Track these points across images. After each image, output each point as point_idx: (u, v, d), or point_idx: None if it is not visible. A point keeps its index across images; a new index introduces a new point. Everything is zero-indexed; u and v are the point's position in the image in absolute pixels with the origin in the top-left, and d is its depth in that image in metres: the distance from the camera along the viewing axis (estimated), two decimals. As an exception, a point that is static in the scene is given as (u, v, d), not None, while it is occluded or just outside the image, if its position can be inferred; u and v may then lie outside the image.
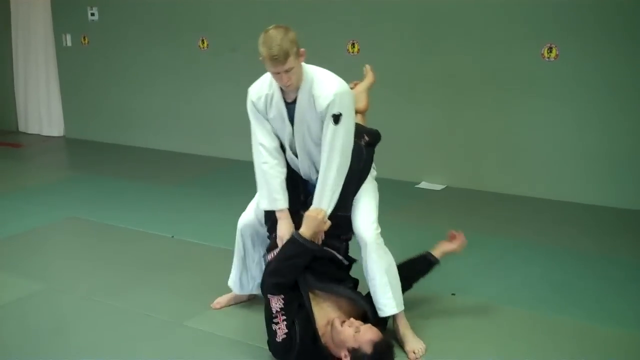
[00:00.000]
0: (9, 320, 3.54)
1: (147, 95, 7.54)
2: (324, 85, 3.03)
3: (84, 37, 7.91)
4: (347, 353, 2.81)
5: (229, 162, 6.77)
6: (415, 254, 3.38)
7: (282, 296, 2.95)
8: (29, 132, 8.69)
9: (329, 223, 3.09)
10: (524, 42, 5.34)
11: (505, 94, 5.50)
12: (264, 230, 3.38)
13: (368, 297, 3.17)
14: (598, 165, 5.25)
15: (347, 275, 3.27)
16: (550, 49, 5.24)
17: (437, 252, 3.37)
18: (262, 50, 2.89)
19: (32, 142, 8.23)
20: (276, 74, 2.95)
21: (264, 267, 3.47)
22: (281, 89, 3.07)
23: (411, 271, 3.32)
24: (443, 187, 5.83)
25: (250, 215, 3.41)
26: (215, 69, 6.95)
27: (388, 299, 3.12)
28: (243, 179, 3.59)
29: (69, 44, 8.05)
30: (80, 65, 8.01)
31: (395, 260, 3.20)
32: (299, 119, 3.09)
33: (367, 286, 3.19)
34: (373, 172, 3.31)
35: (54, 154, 7.80)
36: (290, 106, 3.09)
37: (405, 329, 3.17)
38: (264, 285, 3.10)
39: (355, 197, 3.21)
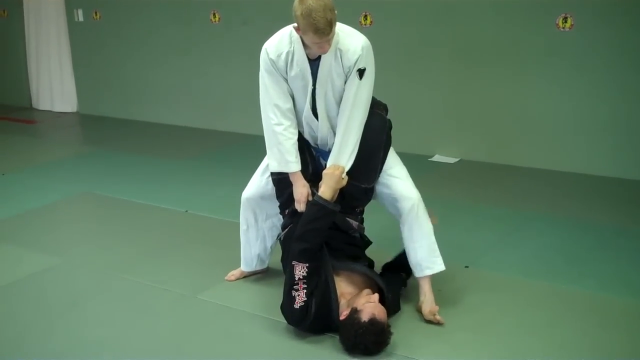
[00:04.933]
0: (25, 295, 3.58)
1: (159, 70, 7.52)
2: (351, 39, 2.95)
3: (96, 12, 7.88)
4: (348, 311, 2.87)
5: (241, 137, 6.76)
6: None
7: (307, 265, 2.95)
8: (42, 108, 8.71)
9: (346, 178, 3.06)
10: (539, 12, 5.26)
11: (519, 65, 5.44)
12: (265, 205, 3.37)
13: (383, 277, 3.18)
14: (613, 137, 5.20)
15: (362, 254, 3.27)
16: (565, 19, 5.16)
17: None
18: (304, 22, 2.75)
19: (46, 118, 8.26)
20: (317, 44, 2.83)
21: (268, 246, 3.50)
22: (303, 45, 2.93)
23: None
24: (457, 160, 5.80)
25: (252, 189, 3.39)
26: (227, 42, 6.91)
27: (437, 256, 3.18)
28: (256, 154, 3.57)
29: (81, 19, 8.02)
30: (92, 40, 8.00)
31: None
32: (323, 76, 2.98)
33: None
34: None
35: (68, 129, 7.82)
36: (313, 63, 2.97)
37: (430, 293, 3.18)
38: (286, 251, 3.13)
39: (389, 165, 3.18)
